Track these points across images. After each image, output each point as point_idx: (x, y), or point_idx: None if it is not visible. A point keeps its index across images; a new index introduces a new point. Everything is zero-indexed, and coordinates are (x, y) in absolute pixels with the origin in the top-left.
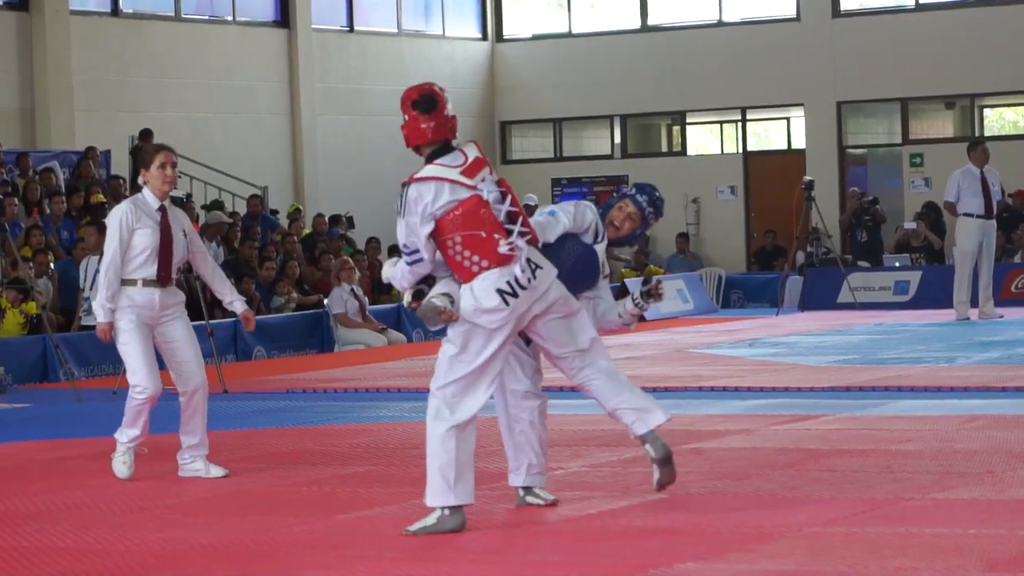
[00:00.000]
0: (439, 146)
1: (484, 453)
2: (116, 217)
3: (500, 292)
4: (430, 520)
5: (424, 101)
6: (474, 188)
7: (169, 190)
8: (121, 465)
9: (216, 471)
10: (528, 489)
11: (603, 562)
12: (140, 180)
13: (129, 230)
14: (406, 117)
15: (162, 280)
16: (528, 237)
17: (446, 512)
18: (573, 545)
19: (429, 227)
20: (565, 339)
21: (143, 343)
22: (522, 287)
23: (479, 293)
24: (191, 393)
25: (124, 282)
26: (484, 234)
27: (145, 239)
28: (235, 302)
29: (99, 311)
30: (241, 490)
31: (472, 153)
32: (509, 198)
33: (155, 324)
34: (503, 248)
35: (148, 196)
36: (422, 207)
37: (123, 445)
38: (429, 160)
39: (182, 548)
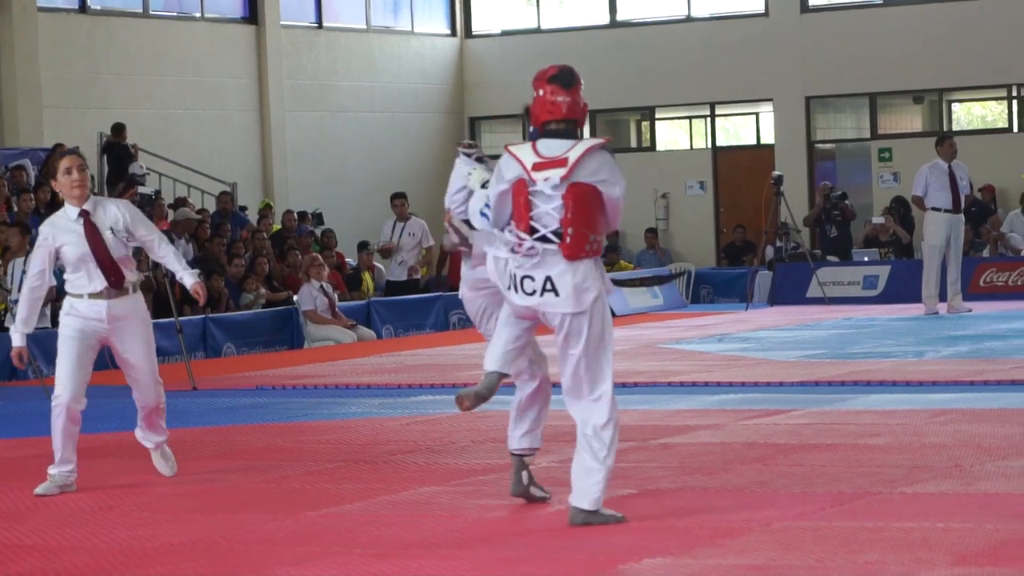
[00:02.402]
0: (563, 128)
1: (455, 449)
2: (37, 242)
3: (511, 276)
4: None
5: (563, 75)
6: (533, 183)
7: (82, 194)
8: (42, 484)
9: (165, 468)
10: (531, 480)
11: (573, 557)
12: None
13: (51, 251)
14: (540, 92)
15: (113, 284)
16: (559, 251)
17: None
18: (543, 541)
19: (502, 187)
20: (563, 370)
21: (77, 351)
22: (524, 291)
23: (501, 266)
24: (144, 409)
25: (71, 295)
26: (515, 216)
27: (74, 253)
28: (184, 276)
29: (13, 334)
30: (210, 487)
31: (570, 151)
32: (559, 206)
33: (106, 335)
34: (517, 236)
35: (67, 207)
36: (498, 174)
37: (50, 475)
38: (541, 135)
39: (151, 546)
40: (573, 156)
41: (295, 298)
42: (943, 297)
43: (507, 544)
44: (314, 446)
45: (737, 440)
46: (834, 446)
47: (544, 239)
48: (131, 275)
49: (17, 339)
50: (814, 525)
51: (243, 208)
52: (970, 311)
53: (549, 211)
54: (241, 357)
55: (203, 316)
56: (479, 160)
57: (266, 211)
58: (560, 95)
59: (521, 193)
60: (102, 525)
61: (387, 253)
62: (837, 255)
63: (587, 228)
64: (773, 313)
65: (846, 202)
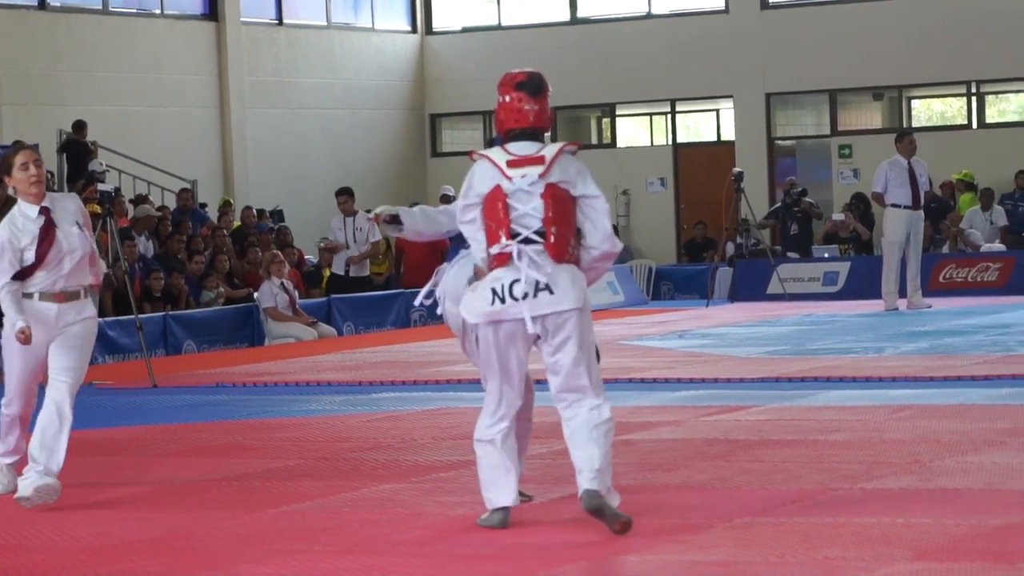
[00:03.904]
0: (530, 132)
1: (416, 446)
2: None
3: (492, 291)
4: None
5: (532, 82)
6: (508, 179)
7: (40, 191)
8: None
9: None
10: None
11: (534, 554)
12: (9, 191)
13: (16, 253)
14: (506, 99)
15: (21, 275)
16: (545, 251)
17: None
18: (504, 538)
19: (472, 206)
20: (565, 372)
21: (26, 361)
22: (513, 297)
23: (479, 290)
24: (48, 400)
25: (25, 295)
26: (493, 225)
27: (33, 253)
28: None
29: (15, 323)
30: (170, 485)
31: (543, 151)
32: (540, 205)
33: (52, 339)
34: (502, 245)
35: (24, 206)
36: (468, 184)
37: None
38: (507, 141)
39: (110, 543)
40: (549, 154)
41: (255, 295)
42: (903, 293)
43: (467, 541)
44: (274, 443)
45: (698, 436)
46: (794, 442)
47: (527, 241)
48: (87, 278)
49: (20, 322)
50: (775, 521)
51: (203, 205)
52: (930, 307)
53: (529, 211)
54: (201, 354)
55: (163, 313)
56: (395, 219)
57: (226, 208)
58: (528, 103)
59: (498, 198)
60: (62, 523)
61: (334, 251)
62: (797, 251)
63: (567, 230)
64: (734, 309)
65: (807, 199)
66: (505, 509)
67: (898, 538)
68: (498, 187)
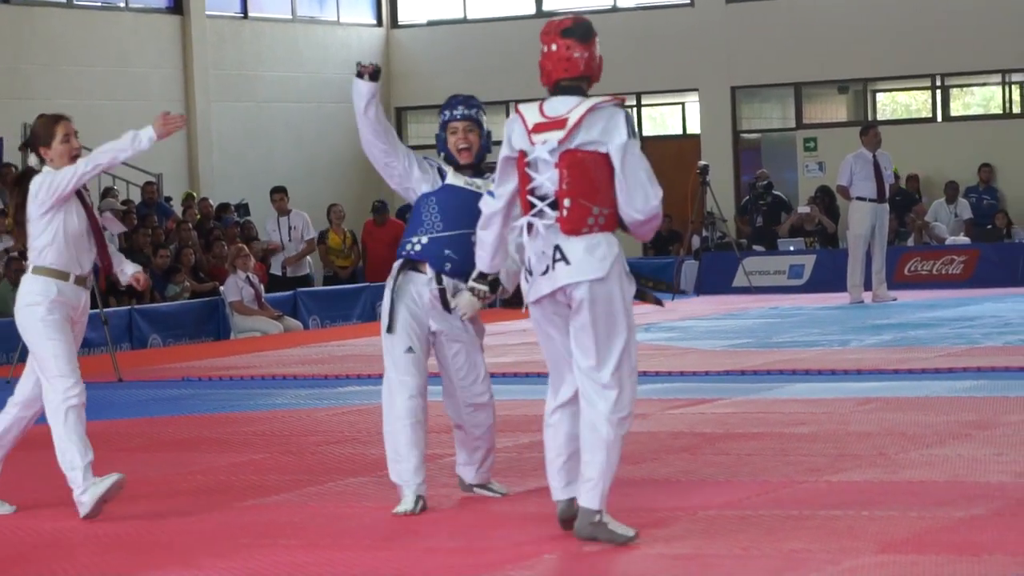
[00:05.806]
0: (574, 84)
1: (382, 440)
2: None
3: (525, 268)
4: None
5: (580, 28)
6: (532, 145)
7: None
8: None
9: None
10: (481, 485)
11: (498, 547)
12: (34, 161)
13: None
14: (552, 47)
15: (107, 269)
16: (557, 225)
17: None
18: (469, 531)
19: (511, 159)
20: (580, 350)
21: (67, 337)
22: (530, 272)
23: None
24: (34, 408)
25: (51, 274)
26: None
27: (73, 226)
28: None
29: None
30: (135, 479)
31: (572, 112)
32: (555, 175)
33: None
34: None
35: None
36: (508, 137)
37: (84, 478)
38: (552, 93)
39: (75, 538)
40: (574, 116)
41: (221, 289)
42: (868, 286)
43: (433, 535)
44: (240, 437)
45: (663, 429)
46: (760, 435)
47: (541, 213)
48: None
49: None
50: (740, 514)
51: (168, 199)
52: (895, 300)
53: (544, 182)
54: (167, 348)
55: (128, 307)
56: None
57: (189, 201)
58: (577, 50)
59: (520, 166)
60: (25, 517)
61: (272, 252)
62: (763, 244)
63: (588, 199)
64: (699, 302)
65: (775, 192)
66: (559, 501)
67: (863, 531)
68: (522, 152)
